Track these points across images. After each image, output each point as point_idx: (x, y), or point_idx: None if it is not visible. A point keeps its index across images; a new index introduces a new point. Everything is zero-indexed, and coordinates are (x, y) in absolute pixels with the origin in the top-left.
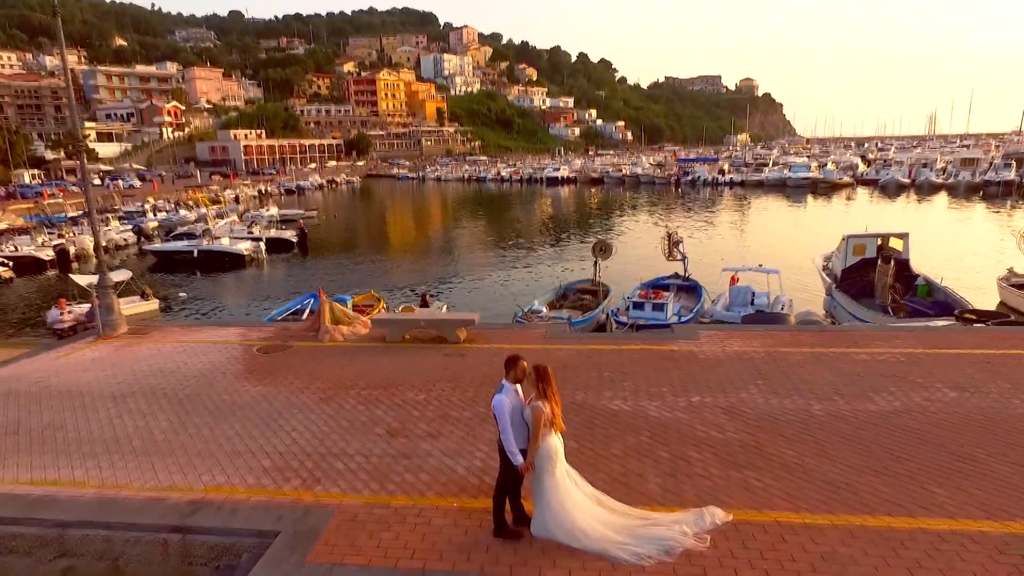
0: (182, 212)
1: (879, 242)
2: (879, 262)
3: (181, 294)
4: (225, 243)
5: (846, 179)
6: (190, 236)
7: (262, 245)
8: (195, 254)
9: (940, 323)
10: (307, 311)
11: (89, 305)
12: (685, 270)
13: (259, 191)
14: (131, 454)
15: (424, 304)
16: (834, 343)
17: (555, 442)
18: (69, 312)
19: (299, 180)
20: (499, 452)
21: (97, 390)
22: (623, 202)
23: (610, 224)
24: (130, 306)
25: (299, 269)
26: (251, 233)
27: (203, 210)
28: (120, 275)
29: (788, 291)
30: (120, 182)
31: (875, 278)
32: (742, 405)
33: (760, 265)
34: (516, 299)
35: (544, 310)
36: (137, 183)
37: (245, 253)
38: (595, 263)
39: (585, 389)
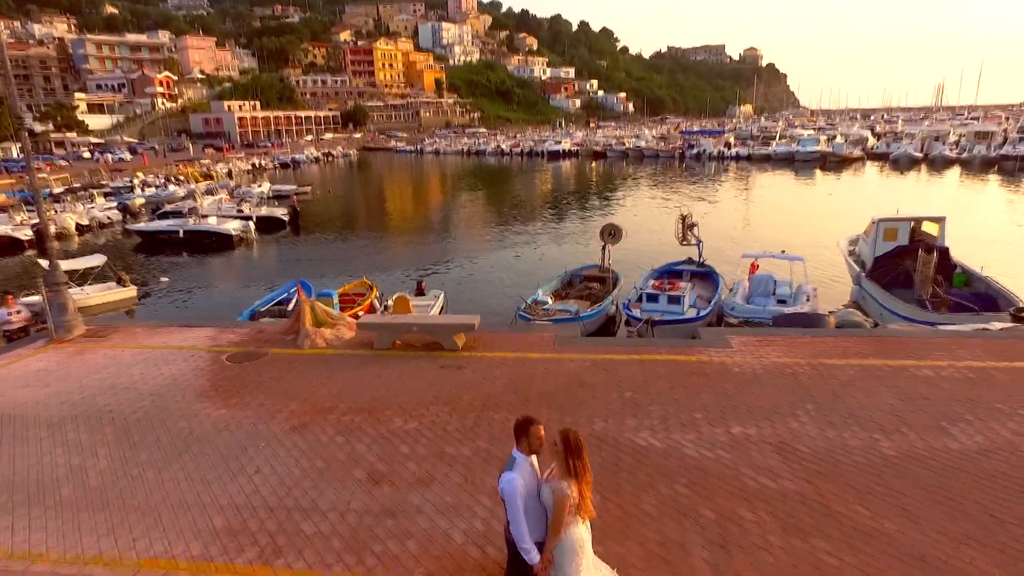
0: (171, 188)
1: (912, 226)
2: (920, 252)
3: (163, 279)
4: (212, 223)
5: (856, 153)
6: (177, 215)
7: (251, 224)
8: (181, 234)
9: (998, 325)
10: (292, 301)
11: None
12: (700, 255)
13: (253, 165)
14: (56, 508)
15: (419, 292)
16: (887, 353)
17: (581, 533)
18: (18, 311)
19: (294, 153)
20: (507, 543)
21: (33, 414)
22: (627, 176)
23: (615, 201)
24: (105, 293)
25: (290, 250)
26: (240, 211)
27: (193, 186)
28: (93, 260)
29: (811, 279)
30: (109, 156)
31: (915, 268)
32: (794, 440)
33: (783, 252)
34: (518, 286)
35: (549, 301)
36: (127, 156)
37: (233, 233)
38: (603, 248)
39: (605, 416)
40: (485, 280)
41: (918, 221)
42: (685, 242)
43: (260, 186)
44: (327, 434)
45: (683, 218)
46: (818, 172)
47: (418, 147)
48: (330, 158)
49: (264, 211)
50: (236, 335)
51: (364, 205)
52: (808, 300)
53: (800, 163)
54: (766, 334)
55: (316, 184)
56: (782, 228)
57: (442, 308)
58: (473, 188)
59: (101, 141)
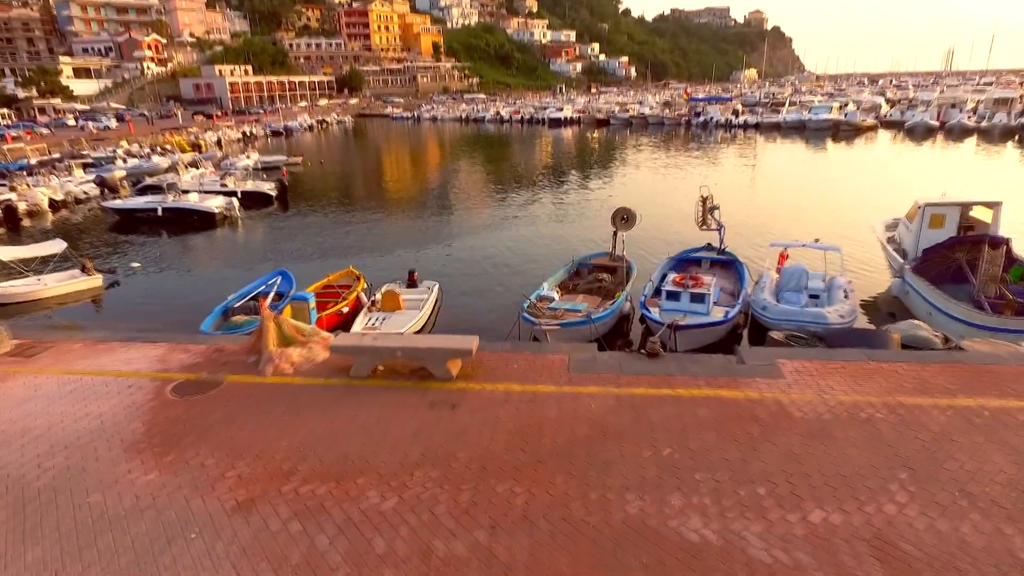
0: (155, 159)
1: (960, 211)
2: (986, 247)
3: (133, 264)
4: (193, 199)
5: (869, 121)
6: (158, 190)
7: (235, 201)
8: (159, 212)
9: None
10: (271, 293)
11: None
12: (721, 242)
13: (243, 133)
14: None
15: (411, 283)
16: (978, 388)
17: None
18: None
19: (287, 121)
20: None
21: None
22: (633, 146)
23: (621, 175)
24: (67, 283)
25: (277, 229)
26: (225, 186)
27: (178, 156)
28: (52, 247)
29: (843, 266)
30: (91, 124)
31: (975, 263)
32: (895, 535)
33: (817, 240)
34: (520, 275)
35: (556, 296)
36: (114, 124)
37: (216, 211)
38: (615, 234)
39: (640, 487)
40: (483, 267)
41: (967, 206)
42: (705, 226)
43: (248, 157)
44: (280, 517)
45: (704, 200)
46: (830, 142)
47: (415, 114)
48: (324, 125)
49: (250, 185)
50: (189, 354)
51: (357, 178)
52: (846, 297)
53: (811, 132)
54: (822, 358)
55: (308, 154)
56: (804, 207)
57: (436, 302)
58: (472, 159)
59: (87, 108)
